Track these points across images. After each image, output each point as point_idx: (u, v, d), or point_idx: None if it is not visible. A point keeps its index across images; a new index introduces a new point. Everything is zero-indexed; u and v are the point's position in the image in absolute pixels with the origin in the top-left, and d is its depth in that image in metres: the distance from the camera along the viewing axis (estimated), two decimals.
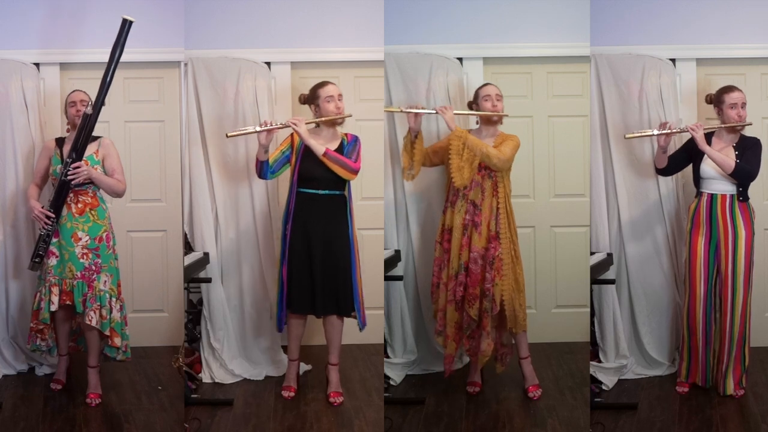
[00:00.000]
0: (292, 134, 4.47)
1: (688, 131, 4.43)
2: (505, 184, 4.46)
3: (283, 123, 4.39)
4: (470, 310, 4.43)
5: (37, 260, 4.41)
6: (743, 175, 4.40)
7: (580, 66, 4.81)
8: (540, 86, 5.04)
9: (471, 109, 4.61)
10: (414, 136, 4.45)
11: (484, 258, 4.41)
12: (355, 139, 4.50)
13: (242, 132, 4.39)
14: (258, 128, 4.35)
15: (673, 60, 4.85)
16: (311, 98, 4.50)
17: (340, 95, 4.47)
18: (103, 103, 4.34)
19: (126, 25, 4.27)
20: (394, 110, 4.52)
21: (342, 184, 4.44)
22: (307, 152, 4.40)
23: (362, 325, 4.51)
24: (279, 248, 4.56)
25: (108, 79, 4.32)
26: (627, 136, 4.51)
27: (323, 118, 4.44)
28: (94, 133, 4.40)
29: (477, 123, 4.58)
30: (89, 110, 4.32)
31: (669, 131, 4.45)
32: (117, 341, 4.44)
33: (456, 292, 4.45)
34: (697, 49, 4.87)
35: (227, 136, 4.37)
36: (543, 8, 4.86)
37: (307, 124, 4.39)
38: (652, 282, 4.84)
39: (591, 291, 4.66)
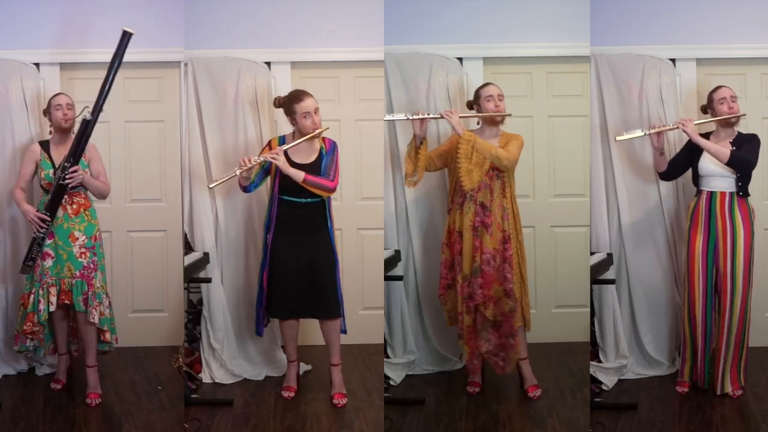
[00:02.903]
0: (269, 143, 4.47)
1: (678, 127, 4.43)
2: (511, 185, 4.45)
3: (264, 158, 4.33)
4: (486, 311, 4.39)
5: (29, 263, 4.42)
6: (740, 163, 4.36)
7: (580, 66, 4.80)
8: (540, 86, 5.04)
9: (471, 108, 4.58)
10: (419, 142, 4.42)
11: (502, 258, 4.38)
12: (333, 148, 4.45)
13: (225, 179, 4.33)
14: (238, 171, 4.30)
15: (673, 60, 4.85)
16: (288, 110, 4.43)
17: (316, 109, 4.39)
18: (101, 109, 4.31)
19: (126, 37, 4.25)
20: (398, 118, 4.44)
21: None
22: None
23: (343, 330, 4.51)
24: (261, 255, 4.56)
25: (107, 87, 4.29)
26: (618, 138, 4.49)
27: (301, 139, 4.37)
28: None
29: (478, 124, 4.56)
30: (88, 116, 4.28)
31: (659, 129, 4.45)
32: (108, 336, 4.48)
33: (475, 295, 4.40)
34: (697, 49, 4.87)
35: (209, 187, 4.41)
36: (543, 8, 4.85)
37: (286, 150, 4.36)
38: (652, 282, 4.84)
39: (591, 291, 4.66)
